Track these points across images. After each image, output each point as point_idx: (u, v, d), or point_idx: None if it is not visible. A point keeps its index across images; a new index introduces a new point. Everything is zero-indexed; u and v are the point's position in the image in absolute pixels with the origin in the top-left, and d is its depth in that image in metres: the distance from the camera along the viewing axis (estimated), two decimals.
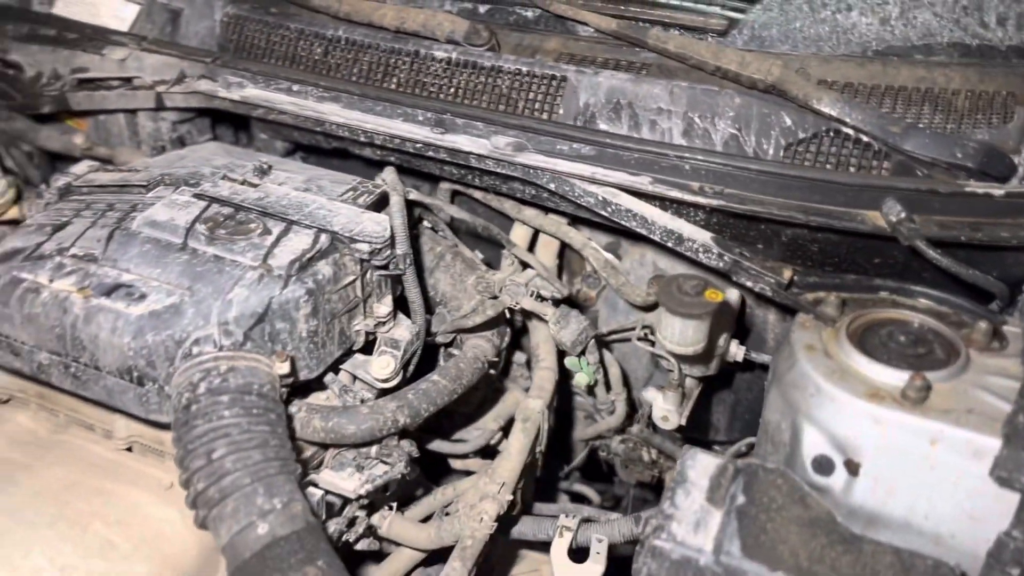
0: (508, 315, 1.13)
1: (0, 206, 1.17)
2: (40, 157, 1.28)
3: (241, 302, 0.89)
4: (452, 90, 1.13)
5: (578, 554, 1.01)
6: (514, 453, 1.04)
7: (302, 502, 0.80)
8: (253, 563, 0.76)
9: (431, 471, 1.19)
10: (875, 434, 0.81)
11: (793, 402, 0.86)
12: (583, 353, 1.10)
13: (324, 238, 0.95)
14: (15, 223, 1.18)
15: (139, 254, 0.95)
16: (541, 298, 1.11)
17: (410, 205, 1.07)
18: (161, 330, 0.88)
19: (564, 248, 1.21)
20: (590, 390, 1.16)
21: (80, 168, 1.12)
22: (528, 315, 1.15)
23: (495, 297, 1.11)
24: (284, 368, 0.89)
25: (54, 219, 1.02)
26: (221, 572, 0.94)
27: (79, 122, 1.29)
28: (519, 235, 1.19)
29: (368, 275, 0.99)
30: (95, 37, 1.25)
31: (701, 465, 0.83)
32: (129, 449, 0.98)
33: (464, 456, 1.17)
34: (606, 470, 1.43)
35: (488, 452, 1.17)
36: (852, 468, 0.82)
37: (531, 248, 1.19)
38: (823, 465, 0.83)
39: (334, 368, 0.99)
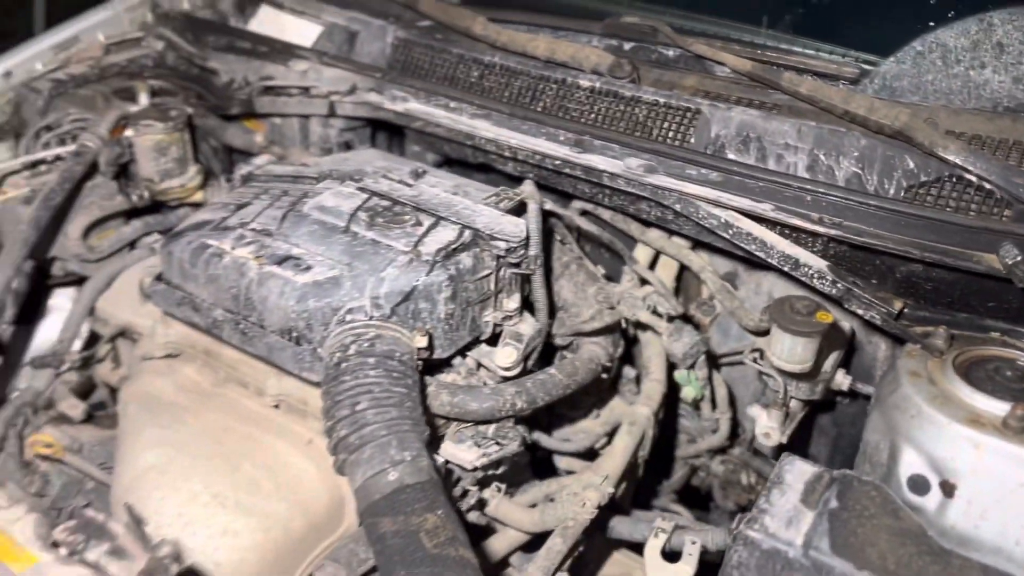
0: (624, 326, 1.21)
1: (189, 190, 1.34)
2: (223, 152, 1.46)
3: (392, 280, 1.01)
4: (592, 116, 1.23)
5: (670, 558, 1.07)
6: (618, 452, 1.11)
7: (428, 459, 0.89)
8: (381, 504, 0.85)
9: (537, 469, 1.27)
10: (973, 458, 0.84)
11: (894, 423, 0.91)
12: (692, 367, 1.16)
13: (467, 233, 1.06)
14: (199, 206, 1.34)
15: (308, 233, 1.09)
16: (657, 313, 1.19)
17: (545, 215, 1.17)
18: (321, 298, 1.00)
19: (683, 271, 1.29)
20: (696, 404, 1.22)
21: (261, 160, 1.28)
22: (643, 328, 1.22)
23: (613, 308, 1.19)
24: (423, 342, 0.99)
25: (237, 199, 1.17)
26: (345, 523, 1.05)
27: (258, 124, 1.46)
28: (641, 254, 1.27)
29: (502, 271, 1.09)
30: (282, 51, 1.43)
31: (798, 470, 0.88)
32: (276, 407, 1.11)
33: (570, 454, 1.24)
34: (704, 494, 1.47)
35: (591, 456, 1.24)
36: (947, 490, 0.85)
37: (652, 267, 1.27)
38: (919, 484, 0.87)
39: (463, 352, 1.09)
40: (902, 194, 1.06)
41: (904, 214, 1.01)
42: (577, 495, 1.05)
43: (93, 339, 1.28)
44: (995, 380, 0.90)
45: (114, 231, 1.32)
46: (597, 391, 1.25)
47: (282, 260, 1.05)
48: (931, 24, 1.20)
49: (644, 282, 1.22)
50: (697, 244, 1.24)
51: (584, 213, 1.29)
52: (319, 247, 1.06)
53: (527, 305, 1.16)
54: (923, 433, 0.87)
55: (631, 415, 1.14)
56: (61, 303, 1.35)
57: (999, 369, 0.91)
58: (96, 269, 1.29)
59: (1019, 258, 0.95)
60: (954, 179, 1.04)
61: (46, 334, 1.32)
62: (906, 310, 1.01)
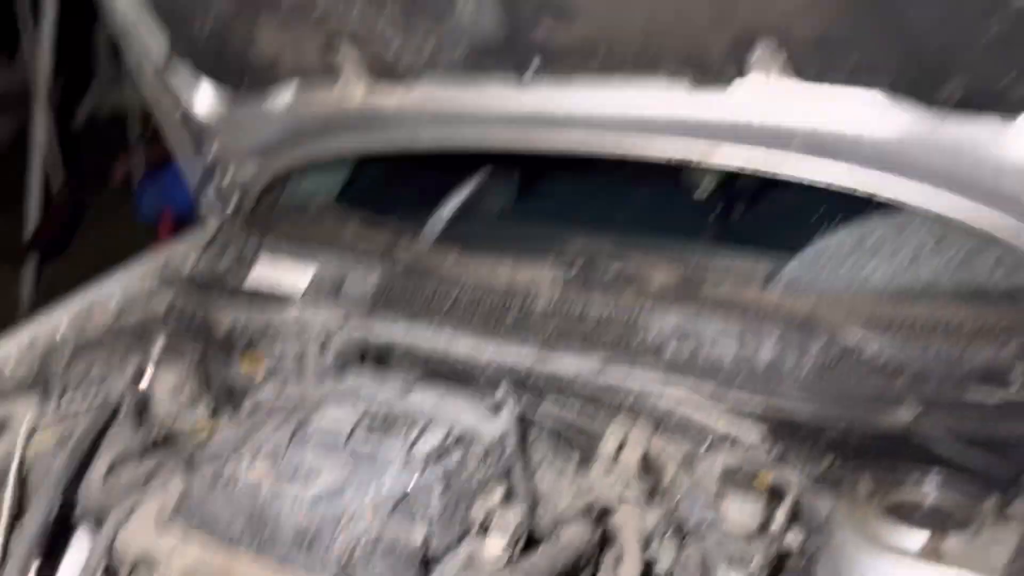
0: (597, 511, 1.35)
1: (201, 424, 1.50)
2: (229, 389, 1.63)
3: (389, 485, 1.16)
4: (549, 329, 1.44)
5: None
6: None
7: None
8: None
9: None
10: None
11: (837, 569, 1.04)
12: (662, 541, 1.29)
13: (454, 435, 1.23)
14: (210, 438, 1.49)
15: (312, 451, 1.24)
16: (625, 497, 1.33)
17: (521, 415, 1.34)
18: (327, 507, 1.14)
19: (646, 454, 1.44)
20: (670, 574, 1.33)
21: (264, 392, 1.45)
22: (614, 511, 1.36)
23: (586, 495, 1.33)
24: (419, 536, 1.12)
25: (247, 428, 1.33)
26: None
27: (259, 360, 1.64)
28: (609, 442, 1.43)
29: (487, 466, 1.24)
30: (280, 298, 1.64)
31: None
32: None
33: None
34: None
35: None
36: None
37: (619, 452, 1.43)
38: None
39: (455, 545, 1.22)
40: (814, 371, 1.25)
41: (817, 388, 1.20)
42: None
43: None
44: (912, 516, 1.05)
45: (132, 469, 1.45)
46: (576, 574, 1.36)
47: (291, 477, 1.20)
48: (826, 230, 1.46)
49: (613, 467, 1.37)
50: (657, 427, 1.40)
51: (554, 409, 1.46)
52: (323, 463, 1.21)
53: (511, 496, 1.30)
54: (861, 570, 1.01)
55: None
56: (82, 543, 1.45)
57: (916, 506, 1.06)
58: (116, 506, 1.41)
59: (918, 415, 1.13)
60: (853, 355, 1.24)
61: (69, 573, 1.41)
62: (835, 465, 1.17)
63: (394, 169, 2.00)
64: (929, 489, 1.10)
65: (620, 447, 1.46)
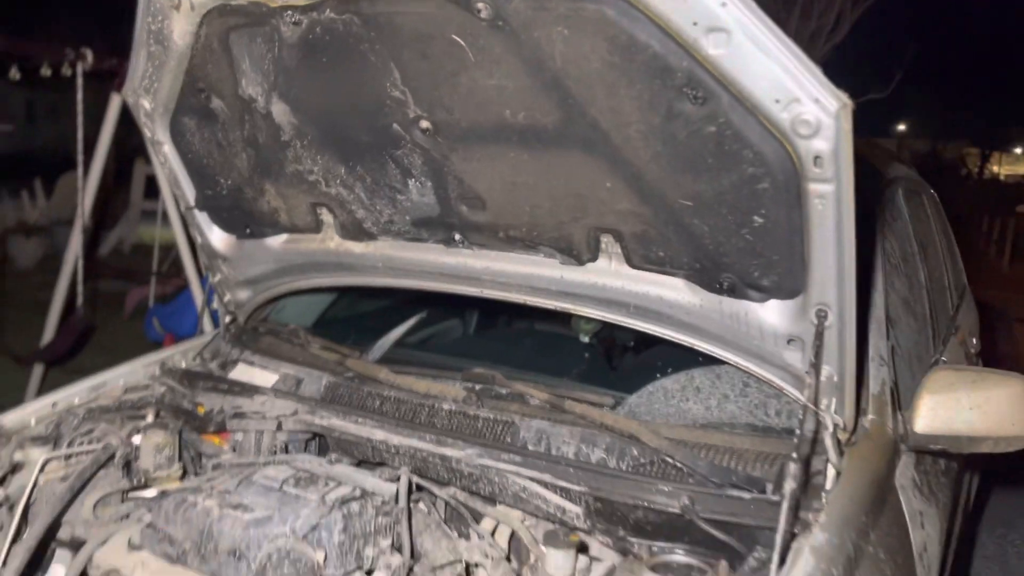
0: (468, 569, 1.75)
1: (172, 478, 1.93)
2: (198, 456, 2.07)
3: (304, 517, 1.59)
4: (450, 426, 1.90)
5: None
6: None
7: None
8: None
9: None
10: None
11: None
12: None
13: (358, 490, 1.66)
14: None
15: (253, 492, 1.67)
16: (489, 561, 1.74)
17: (418, 487, 1.78)
18: (258, 528, 1.57)
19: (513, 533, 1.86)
20: None
21: (225, 456, 1.89)
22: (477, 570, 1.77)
23: (459, 559, 1.75)
24: (320, 557, 1.54)
25: (208, 477, 1.77)
26: None
27: (225, 437, 2.09)
28: (486, 523, 1.85)
29: (379, 518, 1.67)
30: (248, 390, 2.11)
31: None
32: None
33: None
34: None
35: None
36: None
37: (493, 532, 1.85)
38: None
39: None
40: (630, 469, 1.71)
41: (630, 480, 1.65)
42: None
43: None
44: (667, 570, 1.47)
45: (113, 506, 1.87)
46: None
47: (235, 507, 1.63)
48: (658, 376, 1.96)
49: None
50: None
51: (440, 485, 1.89)
52: (260, 499, 1.65)
53: (396, 546, 1.72)
54: None
55: None
56: (60, 563, 1.84)
57: (671, 564, 1.49)
58: (96, 531, 1.82)
59: (687, 504, 1.58)
60: (661, 461, 1.70)
61: None
62: (625, 535, 1.60)
63: (351, 309, 2.54)
64: (682, 553, 1.53)
65: (494, 529, 1.89)
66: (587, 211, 1.72)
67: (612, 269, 1.80)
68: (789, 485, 1.41)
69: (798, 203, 1.44)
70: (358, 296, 2.68)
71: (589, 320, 2.25)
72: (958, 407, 1.83)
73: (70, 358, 5.18)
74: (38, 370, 5.01)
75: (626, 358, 2.24)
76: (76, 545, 1.83)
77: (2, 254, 10.04)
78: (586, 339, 2.42)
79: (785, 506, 1.38)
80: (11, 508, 1.78)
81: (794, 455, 1.45)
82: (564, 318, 2.48)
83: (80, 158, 4.67)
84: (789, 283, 1.57)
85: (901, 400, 1.97)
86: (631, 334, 2.29)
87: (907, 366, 2.15)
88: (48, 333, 5.01)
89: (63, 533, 1.83)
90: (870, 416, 1.84)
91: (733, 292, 1.67)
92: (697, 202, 1.55)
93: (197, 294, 5.05)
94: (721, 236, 1.60)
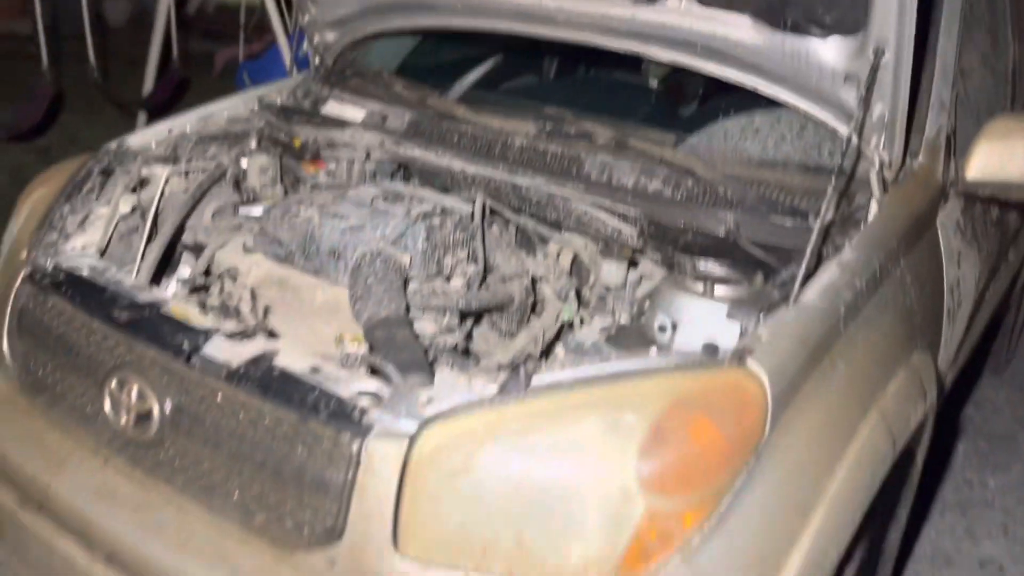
0: (530, 282, 1.99)
1: (276, 196, 2.18)
2: (294, 181, 2.31)
3: (392, 227, 1.81)
4: (522, 159, 2.07)
5: None
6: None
7: (405, 308, 1.66)
8: (377, 326, 1.62)
9: None
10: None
11: (666, 304, 1.67)
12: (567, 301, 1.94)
13: (439, 207, 1.88)
14: None
15: (348, 205, 1.90)
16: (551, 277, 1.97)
17: (492, 211, 1.99)
18: (353, 235, 1.80)
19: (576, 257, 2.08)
20: (571, 325, 1.98)
21: (322, 177, 2.12)
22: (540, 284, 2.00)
23: (526, 271, 1.98)
24: (407, 260, 1.78)
25: (308, 194, 2.01)
26: None
27: (320, 165, 2.31)
28: (552, 246, 2.07)
29: (458, 232, 1.88)
30: (340, 124, 2.31)
31: None
32: None
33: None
34: None
35: None
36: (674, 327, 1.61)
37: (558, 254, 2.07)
38: (664, 328, 1.62)
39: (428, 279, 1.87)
40: (683, 198, 1.87)
41: (682, 207, 1.81)
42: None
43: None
44: (708, 278, 1.66)
45: (228, 217, 2.14)
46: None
47: (333, 216, 1.87)
48: (726, 116, 2.06)
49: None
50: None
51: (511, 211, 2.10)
52: (354, 211, 1.88)
53: (471, 257, 1.95)
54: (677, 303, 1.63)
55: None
56: (185, 264, 2.15)
57: (711, 274, 1.68)
58: (215, 237, 2.10)
59: (732, 228, 1.74)
60: (713, 192, 1.85)
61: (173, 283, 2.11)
62: (674, 253, 1.79)
63: (431, 56, 2.65)
64: (723, 266, 1.71)
65: (559, 251, 2.11)
66: None
67: (682, 7, 1.86)
68: (824, 205, 1.55)
69: None
70: (438, 44, 2.77)
71: (659, 65, 2.33)
72: (1012, 154, 1.90)
73: (170, 108, 5.48)
74: (142, 118, 5.34)
75: (691, 104, 2.33)
76: (198, 248, 2.12)
77: (96, 12, 10.25)
78: (655, 84, 2.50)
79: (818, 222, 1.52)
80: (143, 215, 2.06)
81: (833, 178, 1.57)
82: (635, 66, 2.55)
83: None
84: (850, 18, 1.62)
85: (957, 148, 2.03)
86: (698, 81, 2.36)
87: (973, 117, 2.18)
88: (148, 85, 5.27)
89: (187, 238, 2.12)
90: (920, 159, 1.92)
91: (796, 28, 1.72)
92: None
93: (284, 51, 5.19)
94: None
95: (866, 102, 1.65)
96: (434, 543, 1.24)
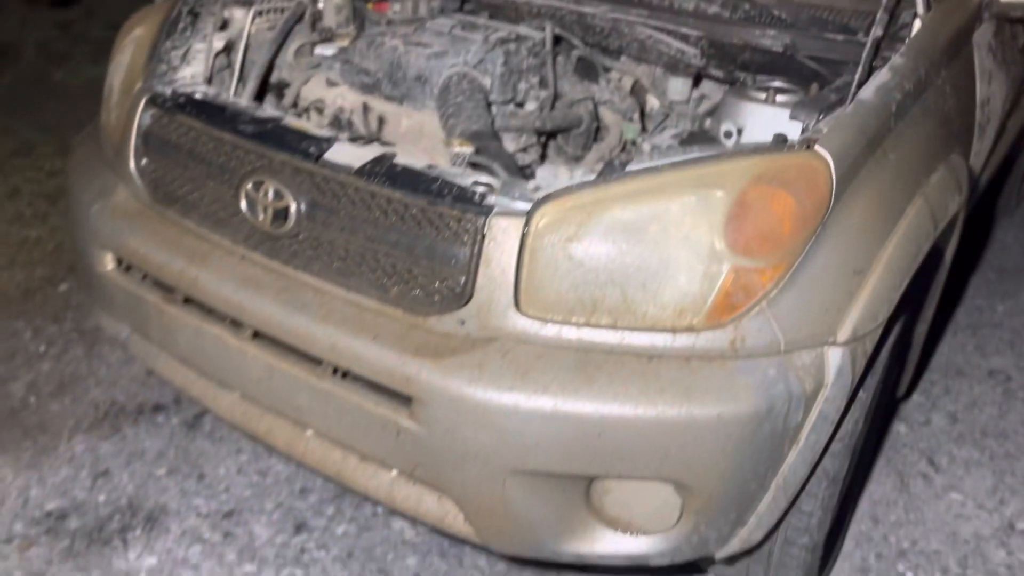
0: (595, 106, 2.16)
1: (349, 34, 2.32)
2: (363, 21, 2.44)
3: (473, 53, 1.97)
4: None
5: None
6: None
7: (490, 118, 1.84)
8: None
9: None
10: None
11: (734, 112, 1.85)
12: (632, 120, 2.11)
13: (513, 33, 2.03)
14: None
15: (427, 35, 2.05)
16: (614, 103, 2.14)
17: (556, 38, 2.14)
18: (438, 59, 1.96)
19: (636, 83, 2.24)
20: (633, 143, 2.16)
21: (396, 9, 2.26)
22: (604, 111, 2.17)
23: (590, 96, 2.15)
24: (487, 83, 1.95)
25: (386, 28, 2.15)
26: None
27: (381, 6, 2.44)
28: (613, 73, 2.23)
29: (531, 58, 2.04)
30: None
31: None
32: None
33: None
34: None
35: None
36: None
37: (619, 80, 2.23)
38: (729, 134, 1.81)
39: (506, 102, 2.05)
40: (738, 19, 2.02)
41: (741, 26, 1.97)
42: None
43: None
44: (769, 91, 1.84)
45: (309, 54, 2.29)
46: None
47: (416, 44, 2.02)
48: None
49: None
50: (641, 62, 2.19)
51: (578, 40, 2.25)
52: (435, 39, 2.03)
53: (543, 83, 2.12)
54: (745, 110, 1.82)
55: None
56: (272, 101, 2.31)
57: (770, 86, 1.86)
58: (300, 74, 2.25)
59: (789, 43, 1.90)
60: (764, 14, 2.00)
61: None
62: (736, 70, 1.96)
63: None
64: (782, 81, 1.89)
65: (620, 77, 2.27)
66: None
67: None
68: (879, 13, 1.71)
69: None
70: None
71: None
72: None
73: None
74: None
75: None
76: (281, 86, 2.28)
77: None
78: None
79: (875, 27, 1.69)
80: (232, 53, 2.20)
81: None
82: None
83: None
84: None
85: None
86: None
87: None
88: None
89: (272, 77, 2.27)
90: None
91: None
92: None
93: None
94: None
95: None
96: (550, 303, 1.47)
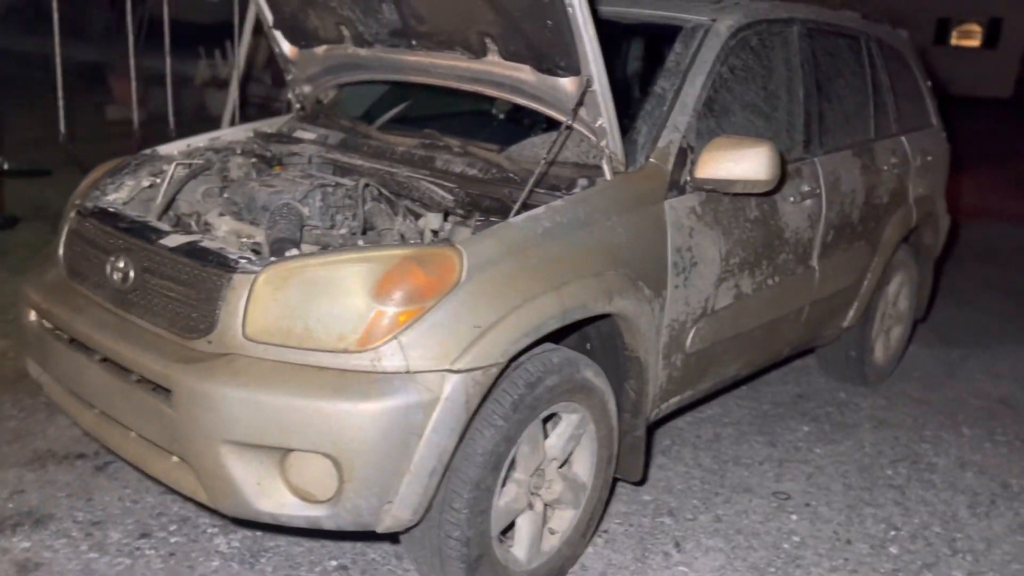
0: None
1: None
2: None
3: (300, 191, 2.86)
4: (400, 157, 3.12)
5: None
6: None
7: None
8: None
9: None
10: None
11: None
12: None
13: (335, 182, 2.93)
14: None
15: (278, 181, 2.97)
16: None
17: (367, 184, 3.03)
18: (276, 195, 2.86)
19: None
20: None
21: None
22: None
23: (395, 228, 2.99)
24: (305, 212, 2.83)
25: (269, 179, 3.10)
26: None
27: (281, 167, 3.41)
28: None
29: (346, 199, 2.92)
30: (298, 141, 3.41)
31: None
32: None
33: None
34: None
35: None
36: None
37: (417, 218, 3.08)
38: None
39: None
40: (472, 176, 2.86)
41: (482, 183, 2.81)
42: None
43: None
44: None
45: (215, 195, 3.24)
46: None
47: (266, 186, 2.94)
48: (535, 133, 3.06)
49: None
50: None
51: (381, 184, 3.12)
52: (280, 183, 2.95)
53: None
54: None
55: None
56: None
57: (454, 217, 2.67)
58: (200, 205, 3.18)
59: (507, 194, 2.73)
60: (508, 175, 2.84)
61: None
62: (466, 208, 2.79)
63: (380, 105, 3.78)
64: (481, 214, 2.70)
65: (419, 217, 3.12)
66: (473, 21, 2.83)
67: (496, 60, 2.90)
68: (540, 167, 2.53)
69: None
70: (383, 91, 3.91)
71: (501, 101, 3.38)
72: (720, 161, 2.85)
73: None
74: None
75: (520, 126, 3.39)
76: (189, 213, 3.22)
77: (200, 102, 12.12)
78: (500, 113, 3.58)
79: (532, 179, 2.51)
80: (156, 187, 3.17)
81: (549, 151, 2.54)
82: (490, 102, 3.64)
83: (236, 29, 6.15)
84: (574, 65, 2.62)
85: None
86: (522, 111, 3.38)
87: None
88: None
89: (183, 207, 3.21)
90: (652, 160, 2.88)
91: (551, 72, 2.74)
92: (521, 12, 2.62)
93: None
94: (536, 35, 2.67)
95: (574, 112, 2.64)
96: (262, 330, 2.24)
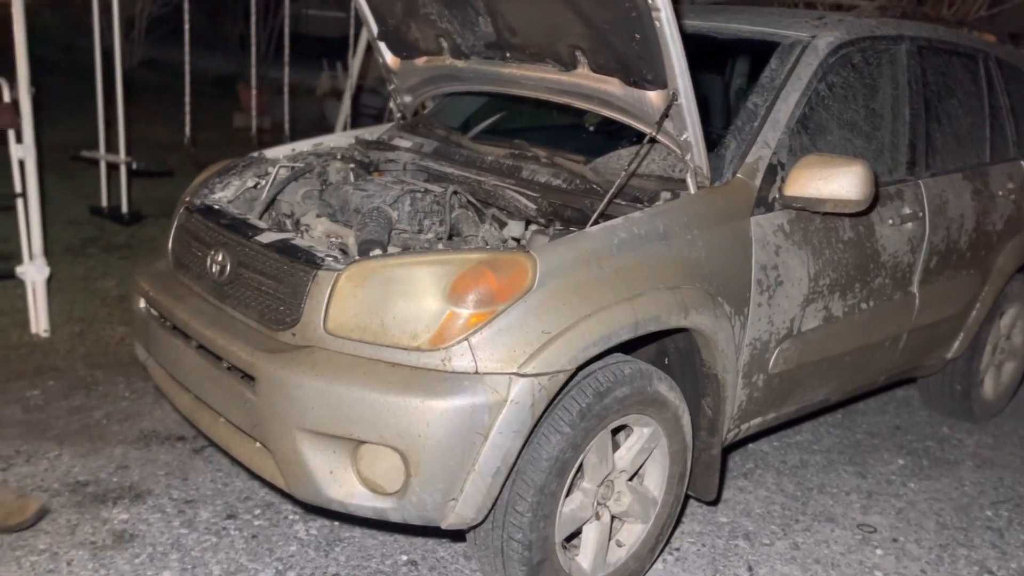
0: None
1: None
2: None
3: (391, 195, 2.97)
4: (489, 166, 3.19)
5: None
6: None
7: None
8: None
9: None
10: None
11: None
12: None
13: (424, 188, 3.03)
14: None
15: (371, 185, 3.09)
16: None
17: (456, 191, 3.11)
18: (368, 198, 2.98)
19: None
20: None
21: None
22: None
23: (480, 235, 3.06)
24: (394, 216, 2.93)
25: (352, 183, 3.23)
26: None
27: (380, 172, 3.54)
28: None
29: (434, 205, 3.01)
30: (395, 148, 3.54)
31: None
32: None
33: None
34: None
35: None
36: None
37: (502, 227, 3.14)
38: None
39: None
40: (570, 188, 2.89)
41: (568, 193, 2.85)
42: None
43: None
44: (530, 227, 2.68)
45: (314, 196, 3.40)
46: None
47: (360, 190, 3.06)
48: (620, 146, 3.08)
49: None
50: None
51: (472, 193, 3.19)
52: (372, 187, 3.06)
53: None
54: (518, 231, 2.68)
55: None
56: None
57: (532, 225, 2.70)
58: (298, 206, 3.34)
59: (588, 204, 2.75)
60: (592, 186, 2.87)
61: None
62: (552, 218, 2.82)
63: (478, 115, 3.87)
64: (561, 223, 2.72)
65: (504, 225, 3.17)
66: (564, 36, 2.87)
67: (585, 73, 2.94)
68: (623, 175, 2.55)
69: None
70: (482, 102, 4.00)
71: (592, 114, 3.40)
72: (812, 178, 2.79)
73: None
74: None
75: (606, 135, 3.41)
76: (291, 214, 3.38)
77: (321, 112, 12.65)
78: (591, 126, 3.59)
79: (614, 188, 2.53)
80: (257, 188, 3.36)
81: (631, 163, 2.56)
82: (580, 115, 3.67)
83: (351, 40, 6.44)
84: (660, 79, 2.63)
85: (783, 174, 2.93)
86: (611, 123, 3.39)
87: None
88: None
89: (284, 208, 3.38)
90: (740, 175, 2.85)
91: (638, 85, 2.75)
92: (610, 26, 2.65)
93: None
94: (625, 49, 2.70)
95: (659, 124, 2.65)
96: (341, 325, 2.34)
